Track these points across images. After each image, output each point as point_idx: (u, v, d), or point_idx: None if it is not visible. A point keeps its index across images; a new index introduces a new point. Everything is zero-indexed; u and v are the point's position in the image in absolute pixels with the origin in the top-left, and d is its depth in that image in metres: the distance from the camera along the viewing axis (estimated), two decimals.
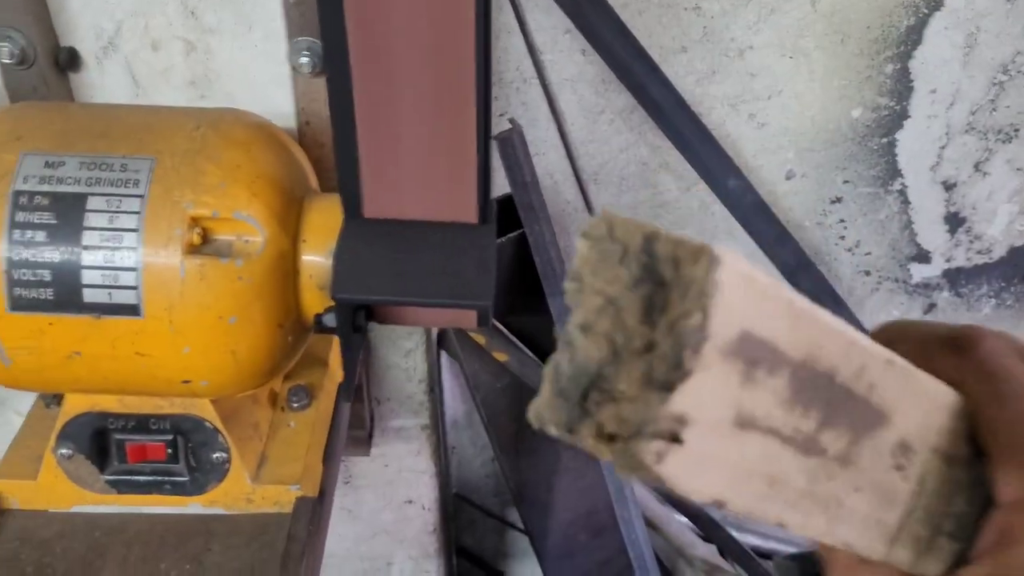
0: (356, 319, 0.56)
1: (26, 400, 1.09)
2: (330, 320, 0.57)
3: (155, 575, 0.63)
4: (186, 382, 0.58)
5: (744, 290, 0.22)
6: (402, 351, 0.88)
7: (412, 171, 0.54)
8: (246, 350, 0.58)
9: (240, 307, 0.56)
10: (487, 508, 1.28)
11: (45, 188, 0.55)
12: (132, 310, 0.55)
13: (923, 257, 1.06)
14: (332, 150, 0.73)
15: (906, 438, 0.28)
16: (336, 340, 0.78)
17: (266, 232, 0.56)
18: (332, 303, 0.60)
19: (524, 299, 0.89)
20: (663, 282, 0.23)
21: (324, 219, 0.60)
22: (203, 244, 0.55)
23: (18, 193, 0.55)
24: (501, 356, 0.84)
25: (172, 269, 0.54)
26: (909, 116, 0.95)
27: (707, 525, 1.17)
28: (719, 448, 0.24)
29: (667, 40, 0.88)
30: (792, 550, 1.32)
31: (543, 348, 0.90)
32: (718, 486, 0.24)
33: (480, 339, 0.85)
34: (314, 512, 0.65)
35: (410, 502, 1.00)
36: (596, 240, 0.24)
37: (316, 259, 0.59)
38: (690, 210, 1.00)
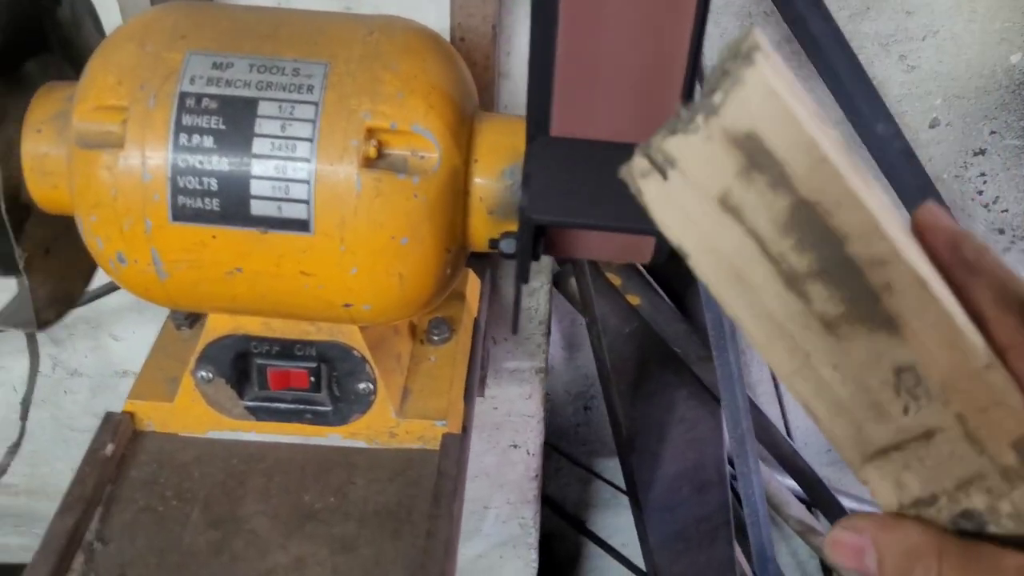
0: (537, 246, 0.52)
1: (121, 324, 1.07)
2: (508, 246, 0.53)
3: (299, 506, 0.60)
4: (347, 306, 0.55)
5: (765, 100, 0.26)
6: (527, 289, 0.84)
7: (612, 88, 0.49)
8: (413, 274, 0.54)
9: (412, 227, 0.52)
10: (574, 457, 1.26)
11: (213, 90, 0.51)
12: (302, 226, 0.51)
13: None
14: (485, 69, 0.68)
15: (920, 371, 0.28)
16: (471, 274, 0.75)
17: (441, 148, 0.52)
18: (501, 228, 0.57)
19: None
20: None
21: (496, 139, 0.56)
22: (378, 158, 0.51)
23: (185, 95, 0.51)
24: (634, 299, 0.80)
25: (347, 183, 0.51)
26: None
27: (809, 484, 1.13)
28: (695, 208, 0.28)
29: None
30: None
31: (677, 293, 0.86)
32: (682, 237, 0.29)
33: (616, 280, 0.81)
34: (461, 449, 0.62)
35: (515, 446, 0.97)
36: None
37: (487, 181, 0.56)
38: None
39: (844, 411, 0.29)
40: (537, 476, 1.01)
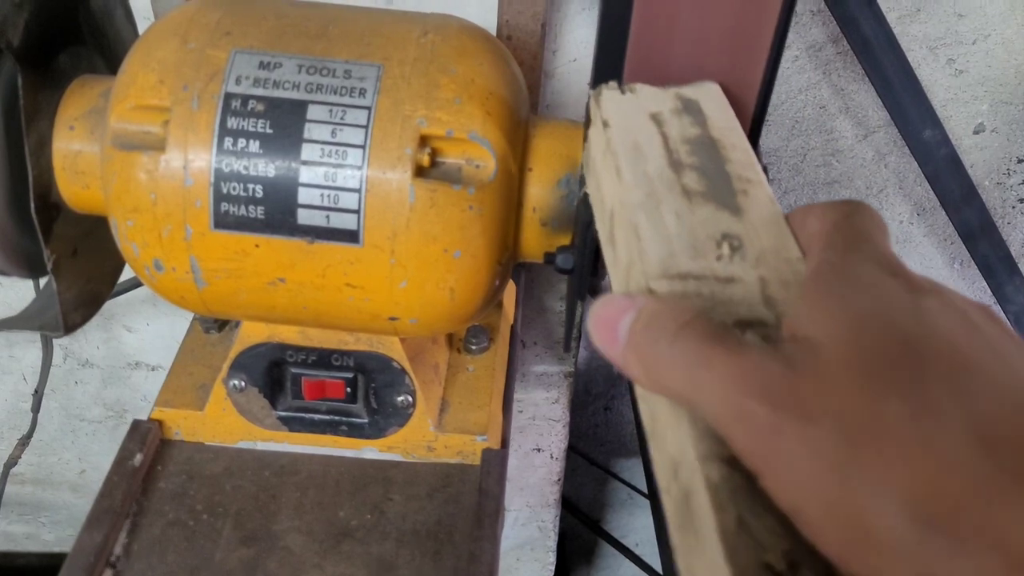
0: (598, 261, 0.50)
1: (135, 316, 1.05)
2: (565, 261, 0.51)
3: (334, 522, 0.58)
4: (393, 319, 0.52)
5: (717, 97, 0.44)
6: (558, 293, 0.82)
7: (694, 34, 0.46)
8: (464, 288, 0.52)
9: (466, 241, 0.50)
10: (592, 457, 1.24)
11: (260, 92, 0.48)
12: (351, 236, 0.49)
13: None
14: (532, 68, 0.66)
15: (743, 241, 0.34)
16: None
17: (498, 157, 0.50)
18: (553, 241, 0.54)
19: None
20: None
21: (552, 146, 0.53)
22: (431, 167, 0.49)
23: (230, 96, 0.48)
24: None
25: (400, 193, 0.48)
26: None
27: None
28: (631, 110, 0.42)
29: None
30: None
31: None
32: (610, 118, 0.42)
33: None
34: (501, 465, 0.60)
35: (538, 450, 0.95)
36: None
37: (542, 191, 0.53)
38: (863, 160, 0.92)
39: (666, 239, 0.35)
40: (559, 480, 0.99)
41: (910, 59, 0.85)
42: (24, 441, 1.02)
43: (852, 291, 0.28)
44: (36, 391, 0.99)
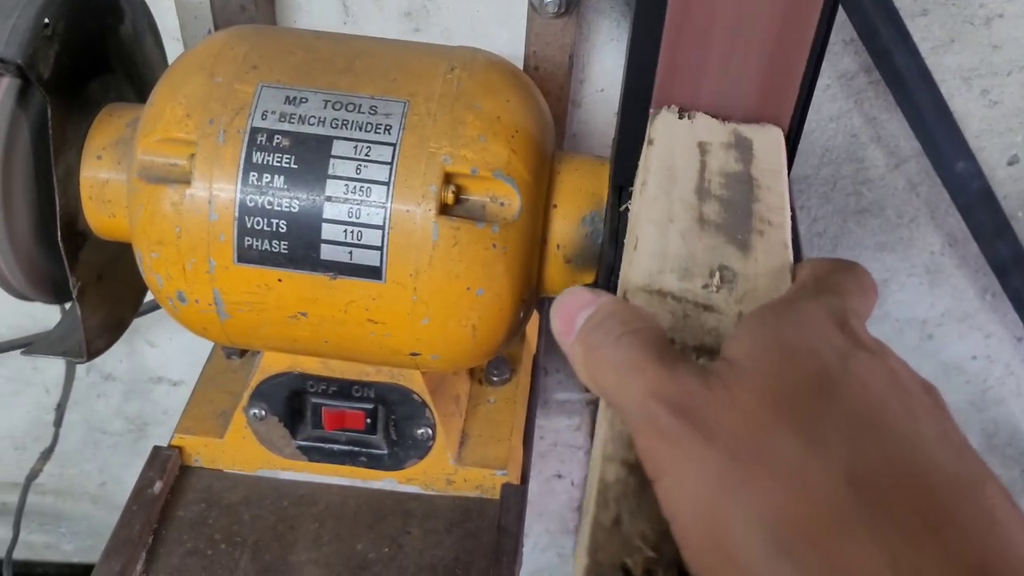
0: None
1: (158, 331, 1.05)
2: None
3: (351, 555, 0.58)
4: (414, 355, 0.52)
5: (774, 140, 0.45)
6: None
7: (729, 55, 0.45)
8: (487, 326, 0.51)
9: (490, 278, 0.49)
10: None
11: (286, 127, 0.48)
12: (373, 273, 0.49)
13: None
14: (558, 99, 0.65)
15: (738, 278, 0.35)
16: None
17: (523, 196, 0.49)
18: (577, 278, 0.54)
19: None
20: None
21: (577, 182, 0.53)
22: (455, 204, 0.48)
23: (256, 130, 0.48)
24: None
25: (423, 231, 0.48)
26: None
27: None
28: (681, 134, 0.43)
29: (908, 1, 0.78)
30: None
31: None
32: (658, 137, 0.43)
33: None
34: (521, 501, 0.60)
35: (559, 476, 0.95)
36: None
37: (566, 228, 0.53)
38: (894, 189, 0.91)
39: (661, 257, 0.36)
40: (579, 507, 0.98)
41: (943, 90, 0.83)
42: (46, 455, 1.02)
43: (789, 325, 0.29)
44: (59, 406, 1.00)
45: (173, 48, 0.65)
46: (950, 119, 0.79)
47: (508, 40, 0.64)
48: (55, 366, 1.09)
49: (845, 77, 0.82)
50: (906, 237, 0.95)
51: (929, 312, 1.01)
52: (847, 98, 0.84)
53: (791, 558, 0.23)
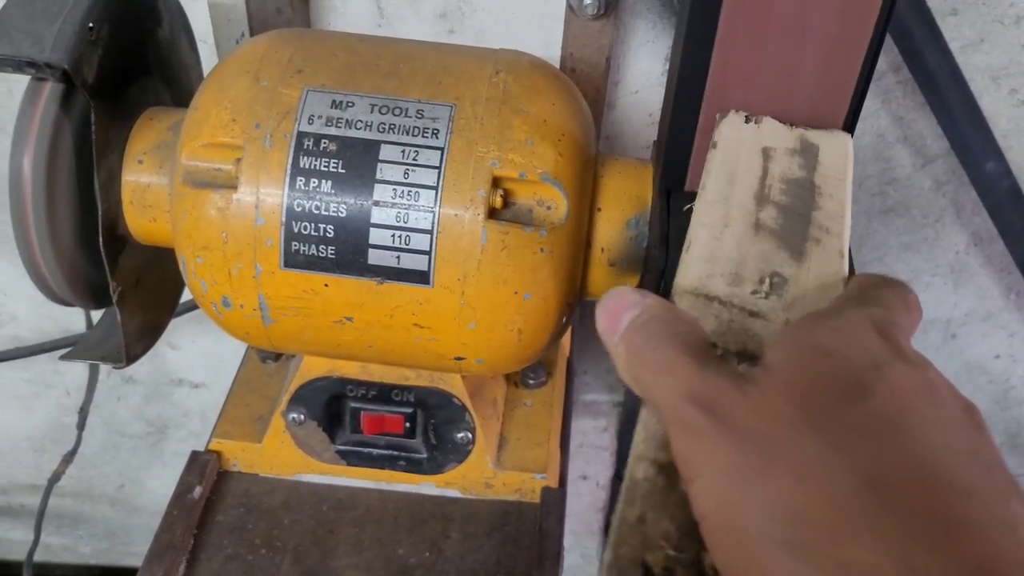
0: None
1: (180, 333, 1.05)
2: None
3: (393, 559, 0.57)
4: (459, 359, 0.52)
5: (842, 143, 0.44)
6: None
7: (783, 57, 0.44)
8: (532, 330, 0.51)
9: (537, 283, 0.49)
10: None
11: (333, 131, 0.48)
12: (421, 277, 0.48)
13: None
14: (594, 102, 0.65)
15: (788, 284, 0.35)
16: None
17: (570, 199, 0.49)
18: (621, 282, 0.53)
19: None
20: None
21: (621, 185, 0.53)
22: (503, 208, 0.48)
23: (303, 135, 0.48)
24: None
25: (472, 236, 0.47)
26: None
27: None
28: (747, 139, 0.43)
29: (937, 1, 0.78)
30: None
31: None
32: (721, 140, 0.43)
33: None
34: (561, 504, 0.60)
35: (584, 478, 0.94)
36: None
37: (611, 232, 0.52)
38: (920, 189, 0.90)
39: (712, 261, 0.36)
40: (604, 508, 0.98)
41: (972, 89, 0.83)
42: (68, 458, 1.02)
43: (827, 331, 0.30)
44: (82, 409, 1.00)
45: (203, 52, 0.65)
46: (980, 119, 0.78)
47: (544, 42, 0.64)
48: (76, 367, 1.08)
49: (873, 77, 0.82)
50: (931, 237, 0.95)
51: (953, 312, 1.01)
52: (874, 98, 0.84)
53: (806, 557, 0.24)
